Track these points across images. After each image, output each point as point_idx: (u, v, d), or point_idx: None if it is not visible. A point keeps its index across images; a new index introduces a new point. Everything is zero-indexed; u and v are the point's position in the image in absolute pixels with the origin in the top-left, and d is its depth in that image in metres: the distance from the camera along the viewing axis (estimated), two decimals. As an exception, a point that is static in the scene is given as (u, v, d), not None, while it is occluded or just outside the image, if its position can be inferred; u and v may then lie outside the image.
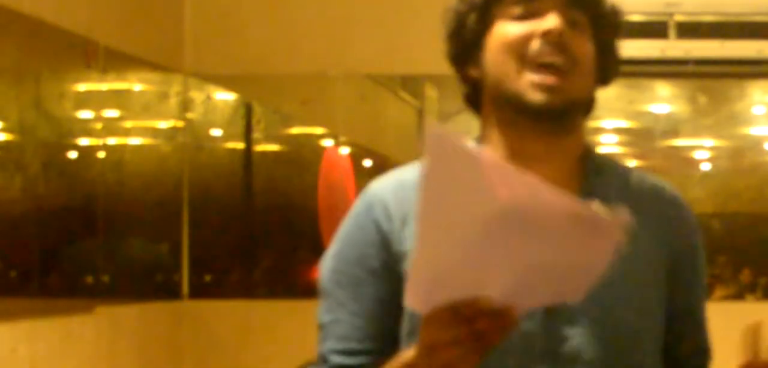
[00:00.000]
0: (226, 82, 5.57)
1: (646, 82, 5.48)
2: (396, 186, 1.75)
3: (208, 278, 5.64)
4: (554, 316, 1.66)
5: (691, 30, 5.18)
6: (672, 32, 5.18)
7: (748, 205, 5.43)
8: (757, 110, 5.52)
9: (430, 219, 1.42)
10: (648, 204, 1.76)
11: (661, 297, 1.75)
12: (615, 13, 1.77)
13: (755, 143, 5.49)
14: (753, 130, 5.52)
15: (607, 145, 5.60)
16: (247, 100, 5.66)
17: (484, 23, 1.73)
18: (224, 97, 5.68)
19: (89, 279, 4.72)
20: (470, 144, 1.43)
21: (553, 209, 1.43)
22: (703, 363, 1.83)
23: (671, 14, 5.18)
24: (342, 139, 5.38)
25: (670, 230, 1.77)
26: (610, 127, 5.55)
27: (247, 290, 5.64)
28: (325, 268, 1.78)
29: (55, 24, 4.31)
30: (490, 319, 1.45)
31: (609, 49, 1.77)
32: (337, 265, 1.76)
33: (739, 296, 5.44)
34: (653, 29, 5.19)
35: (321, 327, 1.77)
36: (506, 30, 1.71)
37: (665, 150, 5.51)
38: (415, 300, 1.49)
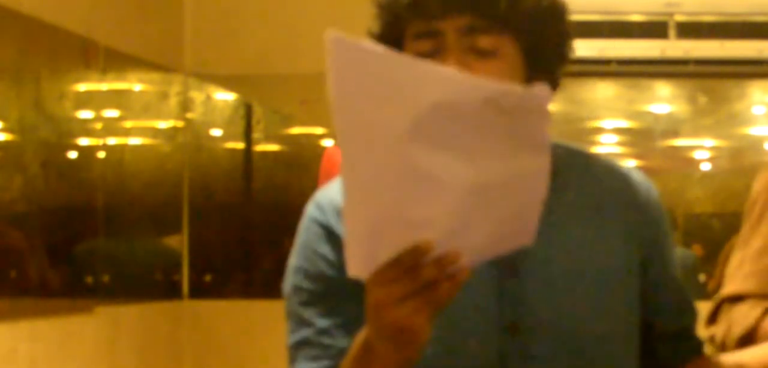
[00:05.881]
0: (226, 82, 5.57)
1: (646, 82, 5.48)
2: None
3: (208, 278, 5.64)
4: (515, 332, 1.59)
5: (691, 30, 5.18)
6: (672, 32, 5.19)
7: (748, 205, 5.41)
8: (757, 110, 5.52)
9: (350, 143, 1.30)
10: (615, 194, 1.69)
11: (632, 296, 1.67)
12: (542, 10, 1.62)
13: (755, 143, 5.49)
14: (753, 130, 5.51)
15: (606, 144, 5.59)
16: (247, 100, 5.66)
17: (397, 44, 1.66)
18: (224, 97, 5.68)
19: (89, 279, 4.72)
20: (379, 47, 1.29)
21: (472, 95, 1.30)
22: (691, 321, 1.76)
23: (671, 14, 5.18)
24: (342, 139, 5.37)
25: (640, 219, 1.69)
26: (610, 127, 5.55)
27: (247, 290, 5.64)
28: (286, 287, 1.73)
29: (54, 24, 4.31)
30: (435, 267, 1.34)
31: (541, 49, 1.63)
32: (295, 282, 1.73)
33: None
34: (653, 29, 5.19)
35: (289, 350, 1.74)
36: None
37: (665, 150, 5.51)
38: (356, 266, 1.36)
